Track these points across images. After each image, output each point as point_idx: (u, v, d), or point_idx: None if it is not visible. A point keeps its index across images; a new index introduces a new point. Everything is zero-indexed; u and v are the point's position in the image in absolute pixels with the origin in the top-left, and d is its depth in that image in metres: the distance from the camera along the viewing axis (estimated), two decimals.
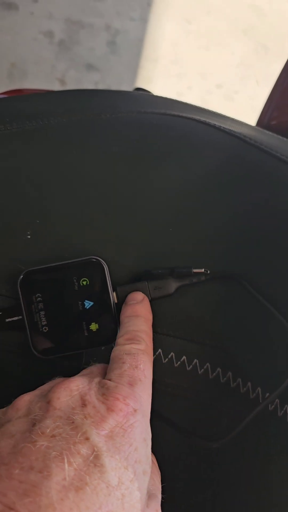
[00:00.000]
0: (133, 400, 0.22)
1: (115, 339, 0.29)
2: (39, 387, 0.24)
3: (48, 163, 0.32)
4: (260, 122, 0.49)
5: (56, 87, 1.25)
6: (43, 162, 0.32)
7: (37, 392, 0.24)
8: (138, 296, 0.29)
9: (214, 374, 0.29)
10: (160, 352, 0.30)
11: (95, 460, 0.19)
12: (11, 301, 0.30)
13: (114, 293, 0.29)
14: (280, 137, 0.36)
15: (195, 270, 0.29)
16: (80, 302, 0.29)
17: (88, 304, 0.29)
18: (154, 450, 0.24)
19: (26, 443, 0.19)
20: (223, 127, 0.33)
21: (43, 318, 0.29)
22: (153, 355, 0.29)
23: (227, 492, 0.27)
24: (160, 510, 0.23)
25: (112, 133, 0.33)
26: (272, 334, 0.30)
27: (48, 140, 0.32)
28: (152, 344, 0.27)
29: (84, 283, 0.29)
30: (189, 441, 0.29)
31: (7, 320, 0.30)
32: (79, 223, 0.30)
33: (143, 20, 1.26)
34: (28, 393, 0.24)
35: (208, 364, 0.29)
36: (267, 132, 0.37)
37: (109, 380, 0.23)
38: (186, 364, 0.30)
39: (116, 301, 0.29)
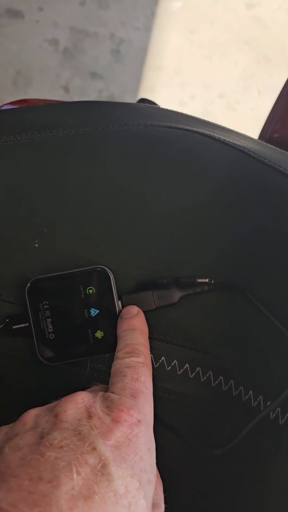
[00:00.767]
0: (137, 411, 0.23)
1: None
2: (46, 405, 0.25)
3: (56, 173, 0.32)
4: (263, 135, 0.49)
5: (61, 94, 1.26)
6: (51, 172, 0.32)
7: (43, 407, 0.24)
8: (133, 310, 0.29)
9: (217, 382, 0.30)
10: (163, 360, 0.30)
11: (102, 469, 0.20)
12: (18, 308, 0.31)
13: (120, 302, 0.30)
14: (283, 151, 0.37)
15: (199, 280, 0.30)
16: (86, 310, 0.30)
17: (94, 312, 0.30)
18: (156, 457, 0.25)
19: (34, 454, 0.20)
20: (228, 140, 0.34)
21: (50, 325, 0.30)
22: (157, 363, 0.30)
23: (229, 498, 0.28)
24: None
25: (119, 146, 0.33)
26: (274, 343, 0.30)
27: (57, 151, 0.33)
28: (150, 356, 0.28)
29: (90, 291, 0.30)
30: (191, 448, 0.29)
31: (14, 327, 0.30)
32: (85, 233, 0.31)
33: (147, 30, 1.27)
34: (35, 408, 0.24)
35: (210, 372, 0.30)
36: (270, 146, 0.37)
37: (112, 393, 0.24)
38: (189, 372, 0.30)
39: (121, 309, 0.30)
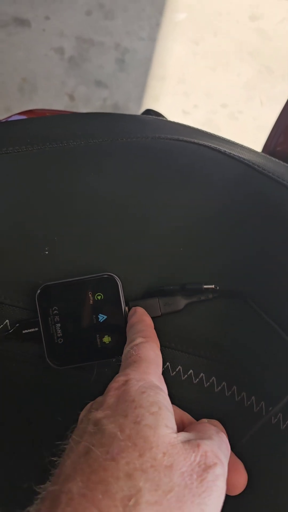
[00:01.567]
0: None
1: None
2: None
3: (66, 183, 0.33)
4: (266, 148, 0.50)
5: (66, 102, 1.28)
6: (61, 182, 0.33)
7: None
8: (131, 312, 0.31)
9: (220, 388, 0.31)
10: (168, 366, 0.31)
11: None
12: (28, 314, 0.32)
13: (127, 308, 0.31)
14: (286, 164, 0.38)
15: (205, 286, 0.31)
16: (94, 316, 0.31)
17: (102, 317, 0.31)
18: None
19: None
20: (233, 154, 0.35)
21: (59, 330, 0.31)
22: (162, 368, 0.31)
23: (232, 502, 0.28)
24: None
25: (127, 158, 0.34)
26: (276, 351, 0.31)
27: (67, 162, 0.34)
28: (153, 332, 0.29)
29: (99, 297, 0.31)
30: None
31: (24, 331, 0.31)
32: (94, 241, 0.32)
33: (152, 40, 1.29)
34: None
35: (214, 378, 0.31)
36: (273, 159, 0.38)
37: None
38: (193, 378, 0.31)
39: None
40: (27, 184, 0.33)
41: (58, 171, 0.34)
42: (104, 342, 0.30)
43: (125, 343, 0.30)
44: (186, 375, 0.31)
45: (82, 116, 0.42)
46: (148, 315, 0.30)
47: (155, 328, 0.30)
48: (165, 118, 0.53)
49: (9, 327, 0.31)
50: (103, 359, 0.31)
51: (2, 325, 0.31)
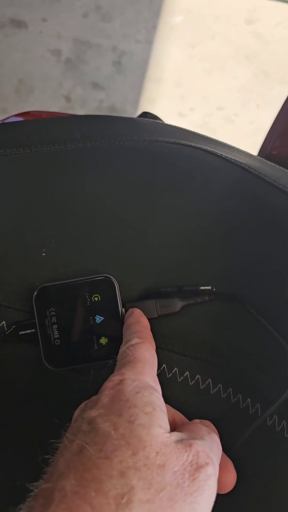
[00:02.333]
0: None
1: None
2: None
3: (63, 186, 0.33)
4: (262, 151, 0.51)
5: (62, 104, 1.28)
6: (59, 185, 0.33)
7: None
8: (128, 313, 0.31)
9: (216, 389, 0.31)
10: (164, 367, 0.31)
11: None
12: (25, 315, 0.32)
13: (124, 309, 0.31)
14: (282, 168, 0.38)
15: (202, 288, 0.31)
16: (91, 317, 0.31)
17: (99, 319, 0.31)
18: None
19: None
20: (230, 157, 0.35)
21: (56, 332, 0.31)
22: (158, 370, 0.31)
23: (227, 504, 0.29)
24: None
25: (125, 160, 0.34)
26: (271, 353, 0.31)
27: (64, 164, 0.34)
28: (149, 334, 0.29)
29: (96, 299, 0.31)
30: None
31: (20, 332, 0.31)
32: (92, 243, 0.32)
33: (149, 43, 1.30)
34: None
35: (210, 380, 0.31)
36: (269, 163, 0.39)
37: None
38: (189, 380, 0.31)
39: None
40: (24, 186, 0.33)
41: (56, 173, 0.34)
42: (101, 344, 0.31)
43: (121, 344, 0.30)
44: (182, 377, 0.31)
45: (80, 118, 0.42)
46: (145, 317, 0.30)
47: (152, 330, 0.30)
48: (162, 121, 0.53)
49: (5, 328, 0.31)
50: (100, 361, 0.31)
51: None
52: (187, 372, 0.31)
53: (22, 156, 0.34)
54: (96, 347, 0.31)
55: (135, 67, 1.29)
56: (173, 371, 0.31)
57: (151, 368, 0.26)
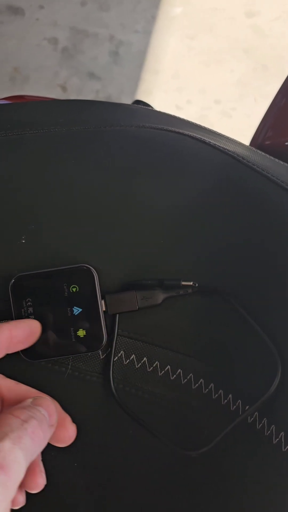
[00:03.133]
0: None
1: (102, 346, 0.29)
2: None
3: (45, 171, 0.32)
4: (254, 141, 0.50)
5: (58, 93, 1.26)
6: (40, 169, 0.32)
7: None
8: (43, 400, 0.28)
9: (197, 385, 0.30)
10: (145, 361, 0.30)
11: None
12: (2, 304, 0.31)
13: (103, 301, 0.30)
14: (273, 158, 0.37)
15: (184, 283, 0.30)
16: (69, 308, 0.30)
17: (76, 310, 0.30)
18: (134, 458, 0.25)
19: None
20: (218, 145, 0.34)
21: None
22: (138, 363, 0.30)
23: (205, 500, 0.28)
24: None
25: (109, 146, 0.33)
26: (254, 349, 0.30)
27: (47, 148, 0.33)
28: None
29: (74, 290, 0.30)
30: (168, 449, 0.29)
31: None
32: (72, 231, 0.31)
33: (147, 33, 1.28)
34: None
35: (191, 375, 0.30)
36: (260, 152, 0.38)
37: None
38: (170, 374, 0.30)
39: (104, 309, 0.30)
40: (3, 171, 0.32)
41: (36, 158, 0.33)
42: (79, 336, 0.30)
43: (100, 337, 0.29)
44: (163, 371, 0.30)
45: (66, 102, 0.41)
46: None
47: (132, 323, 0.29)
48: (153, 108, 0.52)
49: None
50: (77, 354, 0.30)
51: None
52: (169, 366, 0.30)
53: (2, 139, 0.33)
54: (73, 339, 0.30)
55: (132, 57, 1.27)
56: (154, 365, 0.30)
57: None
